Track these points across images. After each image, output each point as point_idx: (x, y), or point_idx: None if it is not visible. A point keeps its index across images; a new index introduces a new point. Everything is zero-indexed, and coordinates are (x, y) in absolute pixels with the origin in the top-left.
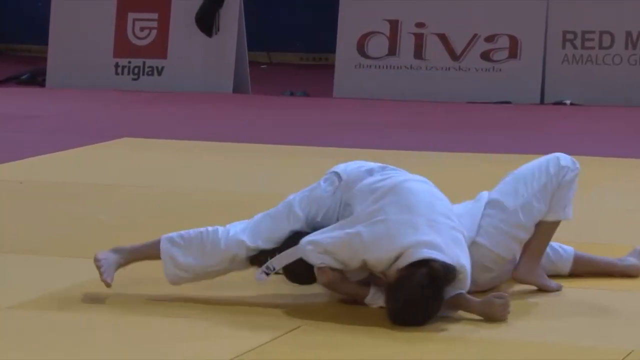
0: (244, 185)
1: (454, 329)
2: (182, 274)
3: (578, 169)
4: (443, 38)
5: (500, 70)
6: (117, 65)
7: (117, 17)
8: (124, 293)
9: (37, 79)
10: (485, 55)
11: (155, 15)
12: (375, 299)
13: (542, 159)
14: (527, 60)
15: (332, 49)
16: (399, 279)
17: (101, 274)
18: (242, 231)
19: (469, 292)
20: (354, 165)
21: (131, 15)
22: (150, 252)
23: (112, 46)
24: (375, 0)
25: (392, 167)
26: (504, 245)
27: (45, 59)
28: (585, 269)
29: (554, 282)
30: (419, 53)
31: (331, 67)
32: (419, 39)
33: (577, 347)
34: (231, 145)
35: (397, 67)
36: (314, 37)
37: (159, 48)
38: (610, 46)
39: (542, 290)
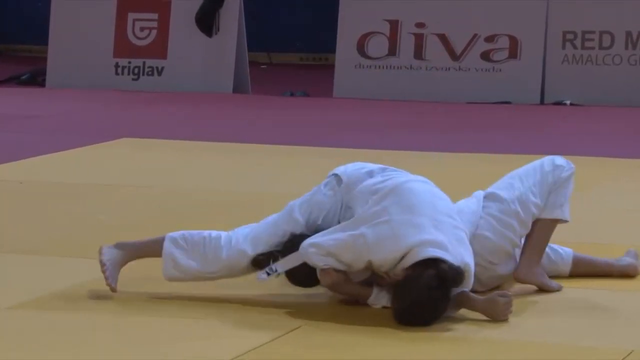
0: (244, 185)
1: (455, 329)
2: (181, 275)
3: (573, 168)
4: (443, 38)
5: (500, 70)
6: (117, 66)
7: (117, 17)
8: (124, 293)
9: (37, 79)
10: (485, 56)
11: (155, 16)
12: (379, 299)
13: (537, 161)
14: (527, 61)
15: (332, 49)
16: (406, 280)
17: (106, 278)
18: (244, 240)
19: (472, 291)
20: (354, 167)
21: (131, 16)
22: (154, 249)
23: (112, 46)
24: (375, 0)
25: (392, 168)
26: (503, 236)
27: (45, 59)
28: (585, 269)
29: (554, 282)
30: (419, 53)
31: (331, 67)
32: (419, 39)
33: (577, 347)
34: (231, 145)
35: (397, 67)
36: (314, 37)
37: (159, 48)
38: (610, 46)
39: (542, 290)
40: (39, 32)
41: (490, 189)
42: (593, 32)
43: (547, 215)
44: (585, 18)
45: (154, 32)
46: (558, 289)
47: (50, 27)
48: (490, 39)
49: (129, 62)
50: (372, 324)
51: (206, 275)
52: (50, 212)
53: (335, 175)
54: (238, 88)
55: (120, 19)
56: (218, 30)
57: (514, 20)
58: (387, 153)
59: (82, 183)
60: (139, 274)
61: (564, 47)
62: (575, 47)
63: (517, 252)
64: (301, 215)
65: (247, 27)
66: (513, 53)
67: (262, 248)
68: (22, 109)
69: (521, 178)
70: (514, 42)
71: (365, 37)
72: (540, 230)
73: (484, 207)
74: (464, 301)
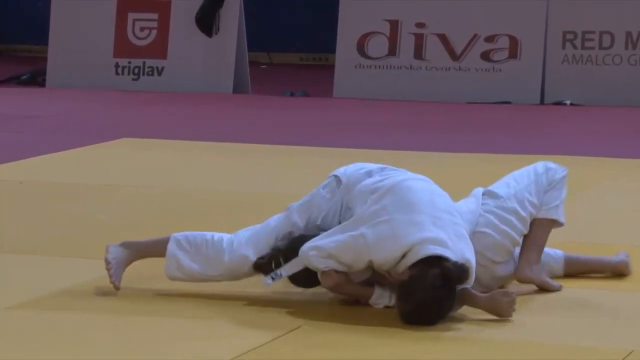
0: (244, 185)
1: (456, 329)
2: (183, 276)
3: (565, 170)
4: (443, 38)
5: (500, 70)
6: (117, 66)
7: (117, 17)
8: (124, 293)
9: (37, 79)
10: (485, 56)
11: (155, 16)
12: (381, 299)
13: (530, 165)
14: (527, 61)
15: (332, 49)
16: (410, 280)
17: (110, 276)
18: (246, 243)
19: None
20: (353, 167)
21: (131, 16)
22: (158, 250)
23: (112, 46)
24: (375, 0)
25: (391, 167)
26: (503, 232)
27: (45, 59)
28: (577, 269)
29: (555, 281)
30: (419, 53)
31: (331, 67)
32: (419, 39)
33: (577, 347)
34: (231, 145)
35: (397, 67)
36: (314, 37)
37: (159, 48)
38: (610, 46)
39: (543, 288)
40: (39, 32)
41: (487, 189)
42: (593, 32)
43: (544, 215)
44: (585, 18)
45: (154, 32)
46: (558, 288)
47: (51, 27)
48: (490, 39)
49: (129, 62)
50: (373, 324)
51: (208, 278)
52: (50, 212)
53: (335, 176)
54: (238, 88)
55: (120, 19)
56: (218, 30)
57: (514, 20)
58: (387, 153)
59: (82, 183)
60: (139, 274)
61: (564, 47)
62: (575, 47)
63: (517, 251)
64: (300, 219)
65: (247, 27)
66: (513, 53)
67: (263, 252)
68: (22, 109)
69: (516, 179)
70: (514, 42)
71: (365, 37)
72: (538, 229)
73: (482, 204)
74: (466, 298)
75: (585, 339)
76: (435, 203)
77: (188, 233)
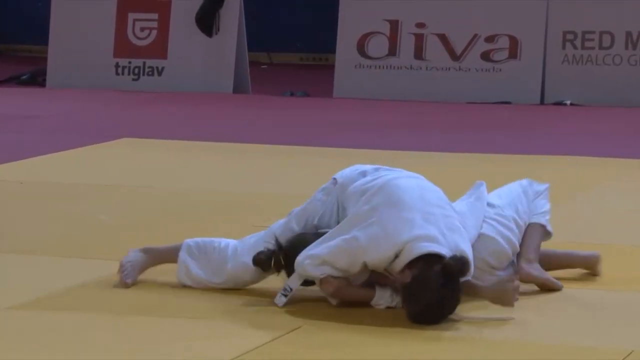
0: (244, 185)
1: (456, 329)
2: (192, 283)
3: (547, 184)
4: (443, 38)
5: (500, 70)
6: (117, 66)
7: (117, 17)
8: (124, 293)
9: (37, 79)
10: (486, 56)
11: (155, 16)
12: (383, 299)
13: (513, 182)
14: (527, 61)
15: (332, 49)
16: (414, 281)
17: (122, 276)
18: (248, 251)
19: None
20: (350, 168)
21: (131, 16)
22: (173, 256)
23: (112, 46)
24: (375, 1)
25: (386, 167)
26: (506, 238)
27: (45, 59)
28: (548, 264)
29: (556, 280)
30: (419, 53)
31: (331, 67)
32: (419, 39)
33: (577, 347)
34: (231, 145)
35: (397, 67)
36: (314, 38)
37: (159, 48)
38: (611, 46)
39: (545, 286)
40: (39, 32)
41: None
42: (593, 32)
43: (535, 220)
44: (585, 18)
45: (154, 32)
46: (560, 287)
47: (51, 27)
48: (490, 39)
49: (129, 62)
50: (373, 324)
51: (213, 285)
52: (50, 212)
53: (333, 179)
54: (238, 88)
55: (120, 19)
56: (218, 30)
57: (514, 20)
58: (387, 153)
59: (82, 183)
60: (142, 273)
61: (564, 47)
62: (575, 47)
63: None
64: (297, 225)
65: (247, 27)
66: (513, 53)
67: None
68: (22, 109)
69: (505, 192)
70: (514, 42)
71: (365, 37)
72: (532, 232)
73: None
74: (467, 289)
75: (585, 339)
76: (426, 198)
77: (199, 239)
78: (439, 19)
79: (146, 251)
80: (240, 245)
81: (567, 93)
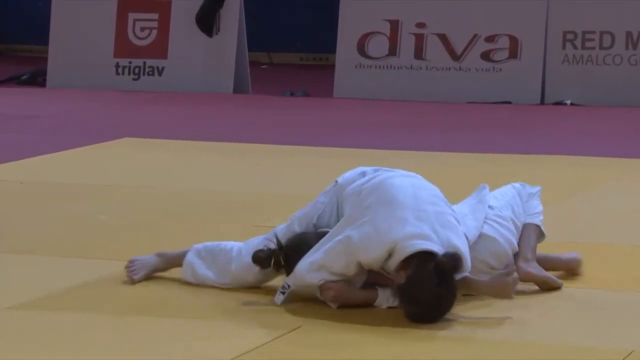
0: (244, 185)
1: (455, 329)
2: (197, 282)
3: (539, 187)
4: (443, 38)
5: (500, 70)
6: (117, 66)
7: (117, 17)
8: (124, 293)
9: (37, 79)
10: (486, 56)
11: (155, 16)
12: (386, 300)
13: (505, 186)
14: (528, 61)
15: (332, 49)
16: (409, 282)
17: (130, 272)
18: (252, 251)
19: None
20: (352, 170)
21: (131, 16)
22: (182, 261)
23: (112, 46)
24: (375, 0)
25: (385, 168)
26: (507, 239)
27: (45, 59)
28: None
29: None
30: (419, 53)
31: (331, 67)
32: (419, 39)
33: (577, 347)
34: (231, 145)
35: (398, 67)
36: (314, 37)
37: (160, 48)
38: (611, 46)
39: (545, 285)
40: (39, 32)
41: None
42: (593, 32)
43: (529, 220)
44: (585, 18)
45: (155, 32)
46: (560, 285)
47: (51, 27)
48: (490, 39)
49: (130, 62)
50: (373, 324)
51: (219, 285)
52: (50, 212)
53: (335, 181)
54: (238, 88)
55: (120, 19)
56: (218, 30)
57: (514, 20)
58: (387, 153)
59: (82, 183)
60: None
61: (564, 47)
62: (575, 47)
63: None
64: (299, 228)
65: (248, 27)
66: (513, 53)
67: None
68: (22, 109)
69: (500, 194)
70: (514, 42)
71: (365, 37)
72: (527, 232)
73: None
74: (466, 286)
75: (585, 339)
76: (419, 196)
77: (208, 243)
78: (439, 19)
79: (159, 255)
80: (244, 247)
81: (567, 93)
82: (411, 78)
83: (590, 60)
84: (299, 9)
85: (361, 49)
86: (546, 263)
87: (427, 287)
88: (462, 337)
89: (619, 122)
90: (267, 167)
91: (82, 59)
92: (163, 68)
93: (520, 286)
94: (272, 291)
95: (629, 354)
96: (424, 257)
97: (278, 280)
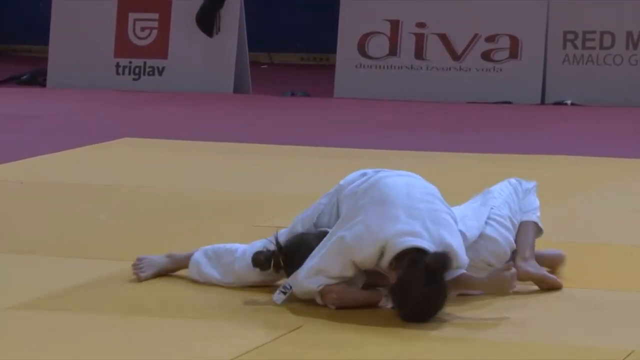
0: (244, 185)
1: (456, 329)
2: (202, 280)
3: (535, 182)
4: (444, 38)
5: (500, 70)
6: (117, 66)
7: (117, 17)
8: (124, 293)
9: (37, 79)
10: (486, 55)
11: (156, 16)
12: (388, 300)
13: (501, 182)
14: (528, 61)
15: (332, 49)
16: (399, 282)
17: (137, 270)
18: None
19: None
20: (355, 172)
21: (132, 16)
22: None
23: (112, 46)
24: (375, 0)
25: (386, 169)
26: (505, 237)
27: (45, 59)
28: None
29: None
30: (419, 53)
31: (332, 67)
32: (420, 39)
33: (577, 347)
34: (231, 145)
35: (398, 67)
36: (315, 38)
37: (160, 48)
38: (611, 46)
39: (544, 283)
40: (39, 32)
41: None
42: (594, 32)
43: (526, 218)
44: (585, 18)
45: (155, 32)
46: (559, 283)
47: (51, 27)
48: (490, 38)
49: (130, 62)
50: (373, 323)
51: (222, 284)
52: (50, 212)
53: (338, 184)
54: (238, 88)
55: (120, 19)
56: (219, 30)
57: (515, 20)
58: (387, 153)
59: (82, 183)
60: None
61: (564, 47)
62: (576, 47)
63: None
64: (302, 229)
65: (248, 27)
66: (514, 53)
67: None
68: (22, 109)
69: (497, 191)
70: (514, 42)
71: (365, 37)
72: (525, 230)
73: None
74: (463, 283)
75: (585, 339)
76: (412, 195)
77: (215, 245)
78: (439, 19)
79: (168, 256)
80: (249, 249)
81: (567, 93)
82: (411, 78)
83: (591, 60)
84: (299, 9)
85: (361, 49)
86: None
87: (416, 288)
88: (462, 337)
89: (619, 122)
90: (267, 167)
91: (82, 59)
92: (163, 68)
93: (520, 286)
94: (271, 291)
95: (629, 354)
96: (414, 256)
97: (282, 280)
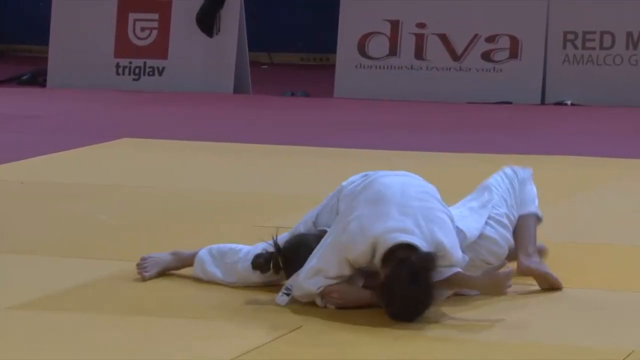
0: (244, 185)
1: (455, 329)
2: (205, 278)
3: (530, 169)
4: (444, 38)
5: (500, 70)
6: (118, 66)
7: (117, 17)
8: (124, 293)
9: (37, 79)
10: (486, 56)
11: (156, 16)
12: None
13: (497, 172)
14: (528, 61)
15: (332, 49)
16: (386, 281)
17: (141, 270)
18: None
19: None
20: (357, 174)
21: (132, 16)
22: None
23: (112, 46)
24: (375, 1)
25: (387, 171)
26: (503, 236)
27: (45, 59)
28: None
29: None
30: (419, 53)
31: (332, 67)
32: (420, 39)
33: (577, 347)
34: (231, 145)
35: (398, 68)
36: (315, 38)
37: (160, 48)
38: (611, 46)
39: (545, 281)
40: (39, 32)
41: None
42: (594, 33)
43: (526, 210)
44: (586, 18)
45: (155, 32)
46: (560, 286)
47: (51, 27)
48: (490, 39)
49: (130, 62)
50: (373, 324)
51: (225, 283)
52: (50, 212)
53: (341, 185)
54: (238, 88)
55: (120, 19)
56: (219, 30)
57: (515, 20)
58: (387, 153)
59: (82, 183)
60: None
61: (564, 47)
62: (576, 47)
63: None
64: (304, 230)
65: (248, 27)
66: (514, 53)
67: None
68: (22, 109)
69: (494, 185)
70: (514, 42)
71: (365, 37)
72: (527, 224)
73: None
74: (457, 282)
75: (585, 339)
76: (406, 193)
77: (221, 244)
78: (439, 19)
79: (174, 254)
80: (252, 250)
81: (567, 93)
82: (411, 78)
83: (591, 61)
84: (299, 9)
85: (361, 49)
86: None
87: (402, 287)
88: (461, 337)
89: (619, 122)
90: (267, 167)
91: (82, 59)
92: (163, 68)
93: (520, 286)
94: (275, 291)
95: (629, 354)
96: (402, 254)
97: (285, 280)
